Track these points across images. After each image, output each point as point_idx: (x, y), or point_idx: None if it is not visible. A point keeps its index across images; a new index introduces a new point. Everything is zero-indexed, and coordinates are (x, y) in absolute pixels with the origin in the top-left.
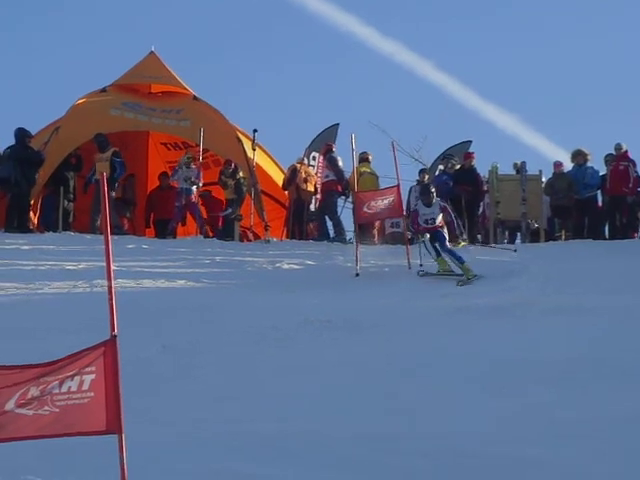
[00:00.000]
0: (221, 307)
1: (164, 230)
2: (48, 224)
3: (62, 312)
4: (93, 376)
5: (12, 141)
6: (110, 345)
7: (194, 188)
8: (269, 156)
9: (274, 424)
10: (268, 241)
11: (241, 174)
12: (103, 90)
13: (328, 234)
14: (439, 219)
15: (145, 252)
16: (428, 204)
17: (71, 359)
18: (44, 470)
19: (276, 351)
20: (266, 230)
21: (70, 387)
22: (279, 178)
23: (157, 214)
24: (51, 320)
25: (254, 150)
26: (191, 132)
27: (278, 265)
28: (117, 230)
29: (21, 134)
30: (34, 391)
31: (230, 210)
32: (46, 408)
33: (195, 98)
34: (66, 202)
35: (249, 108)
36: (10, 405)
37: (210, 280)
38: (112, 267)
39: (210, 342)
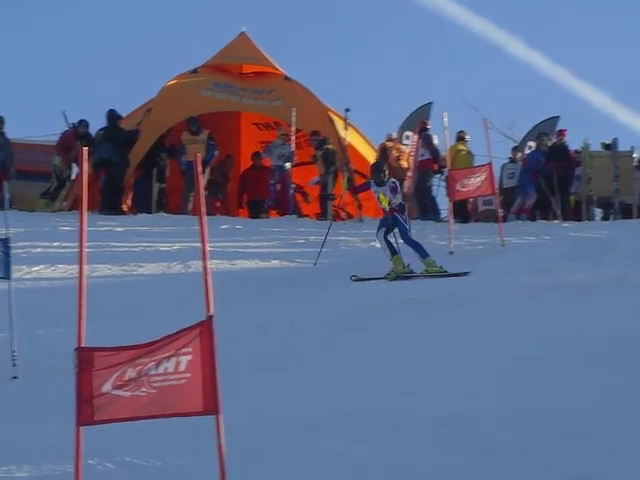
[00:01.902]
0: (316, 286)
1: (257, 210)
2: (141, 206)
3: (157, 293)
4: (190, 357)
5: (101, 124)
6: (206, 326)
7: (288, 165)
8: (361, 135)
9: (368, 403)
10: (361, 220)
11: (330, 145)
12: (194, 71)
13: (428, 212)
14: (396, 200)
15: (239, 232)
16: (380, 183)
17: (167, 340)
18: (141, 451)
19: (372, 330)
20: (359, 209)
21: (167, 368)
22: (371, 157)
23: (250, 194)
24: (146, 301)
25: (346, 129)
26: (283, 112)
27: (372, 244)
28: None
29: (112, 115)
30: (131, 372)
31: (319, 179)
32: (143, 389)
33: (286, 78)
34: (158, 184)
35: (341, 87)
36: (107, 387)
37: (304, 259)
38: (207, 247)
39: (306, 322)
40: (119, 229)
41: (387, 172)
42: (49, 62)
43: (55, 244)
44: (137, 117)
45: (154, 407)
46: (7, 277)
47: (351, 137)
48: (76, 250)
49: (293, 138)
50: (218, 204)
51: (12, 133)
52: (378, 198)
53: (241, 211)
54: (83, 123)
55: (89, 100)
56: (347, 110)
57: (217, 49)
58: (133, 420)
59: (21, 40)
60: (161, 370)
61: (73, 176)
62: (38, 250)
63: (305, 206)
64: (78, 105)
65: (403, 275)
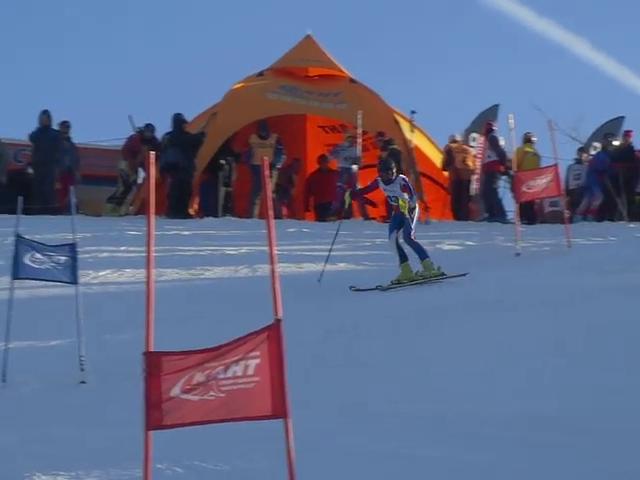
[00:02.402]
0: (386, 290)
1: (324, 213)
2: (208, 209)
3: (224, 297)
4: (258, 360)
5: (167, 129)
6: (274, 329)
7: (354, 167)
8: (427, 138)
9: (433, 405)
10: (428, 222)
11: (396, 146)
12: (260, 74)
13: (495, 214)
14: (406, 197)
15: (306, 235)
16: (386, 181)
17: (236, 344)
18: (210, 455)
19: (438, 333)
20: (426, 211)
21: (235, 372)
22: (438, 159)
23: (317, 198)
24: (213, 305)
25: (412, 132)
26: (349, 115)
27: (438, 246)
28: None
29: (178, 119)
30: (199, 377)
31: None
32: (211, 393)
33: (352, 81)
34: (224, 188)
35: (406, 90)
36: (176, 391)
37: (371, 262)
38: (275, 251)
39: (372, 325)
40: (186, 233)
41: (395, 170)
42: (115, 66)
43: (122, 248)
44: (202, 121)
45: (223, 411)
46: (74, 282)
47: (417, 139)
48: (143, 254)
49: (359, 140)
50: (284, 209)
51: (78, 138)
52: (390, 198)
53: (308, 214)
54: (149, 127)
55: (155, 104)
56: (413, 112)
57: (283, 52)
58: (202, 424)
59: (87, 44)
60: (230, 374)
61: (139, 180)
62: (105, 255)
63: (371, 209)
64: (144, 109)
65: (399, 284)
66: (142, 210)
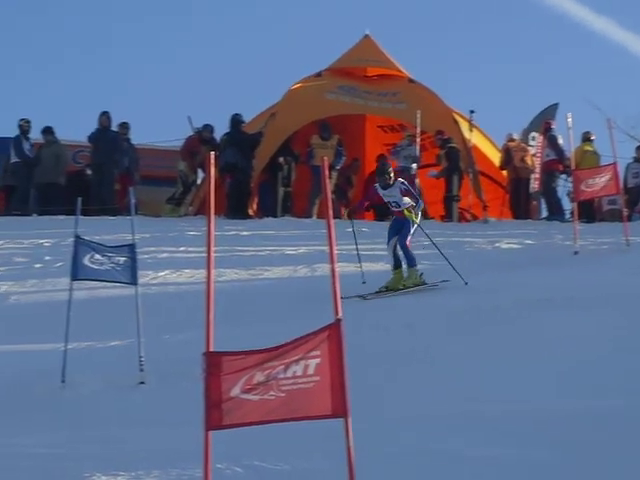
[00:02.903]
0: (441, 288)
1: (384, 213)
2: (267, 210)
3: (283, 297)
4: (318, 360)
5: (225, 129)
6: (335, 329)
7: (414, 166)
8: (486, 137)
9: (497, 404)
10: (486, 221)
11: (454, 144)
12: (318, 74)
13: (553, 213)
14: (406, 201)
15: (364, 235)
16: (384, 186)
17: (296, 344)
18: (270, 455)
19: (497, 331)
20: (484, 210)
21: (295, 372)
22: (496, 158)
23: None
24: (272, 305)
25: (471, 131)
26: (408, 114)
27: (497, 245)
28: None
29: (236, 120)
30: (259, 376)
31: (438, 173)
32: (272, 393)
33: (411, 80)
34: (283, 188)
35: (465, 89)
36: (236, 391)
37: (430, 262)
38: (335, 251)
39: (427, 324)
40: (245, 233)
41: (392, 174)
42: (175, 67)
43: (181, 249)
44: (261, 121)
45: (283, 411)
46: (134, 283)
47: (476, 138)
48: (202, 255)
49: (418, 140)
50: (343, 209)
51: (137, 139)
52: (390, 203)
53: (366, 214)
54: (208, 128)
55: (214, 105)
56: (472, 112)
57: (341, 52)
58: (262, 424)
59: (147, 44)
60: (290, 373)
61: (198, 181)
62: (164, 255)
63: (430, 207)
64: (203, 110)
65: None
66: (201, 210)
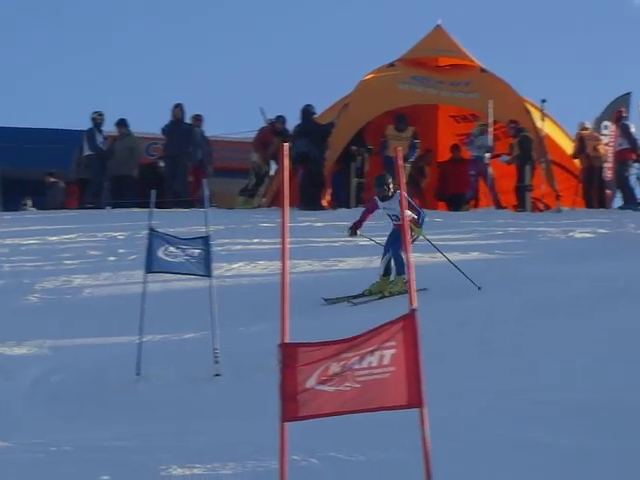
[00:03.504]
0: (515, 278)
1: (457, 203)
2: (340, 200)
3: (357, 288)
4: (393, 351)
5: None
6: (410, 319)
7: (487, 156)
8: (558, 126)
9: (575, 394)
10: (559, 210)
11: (527, 133)
12: (391, 65)
13: (627, 202)
14: (406, 214)
15: (438, 225)
16: (383, 198)
17: (371, 334)
18: (345, 446)
19: (574, 321)
20: (557, 199)
21: (371, 362)
22: (568, 147)
23: (449, 187)
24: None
25: (543, 120)
26: (480, 104)
27: (570, 234)
28: None
29: (307, 110)
30: (335, 367)
31: (509, 159)
32: (347, 384)
33: (482, 70)
34: (357, 178)
35: (536, 78)
36: (311, 382)
37: (503, 251)
38: (409, 241)
39: (506, 314)
40: (319, 224)
41: (392, 185)
42: (247, 58)
43: (255, 241)
44: (334, 112)
45: (358, 401)
46: (208, 275)
47: (548, 128)
48: (276, 246)
49: (490, 130)
50: (416, 200)
51: (210, 131)
52: (389, 217)
53: (440, 204)
54: (280, 119)
55: (287, 96)
56: (543, 101)
57: (413, 43)
58: (337, 415)
59: (219, 37)
60: (365, 364)
61: (271, 172)
62: (238, 247)
63: (503, 197)
64: (275, 101)
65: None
66: (274, 202)
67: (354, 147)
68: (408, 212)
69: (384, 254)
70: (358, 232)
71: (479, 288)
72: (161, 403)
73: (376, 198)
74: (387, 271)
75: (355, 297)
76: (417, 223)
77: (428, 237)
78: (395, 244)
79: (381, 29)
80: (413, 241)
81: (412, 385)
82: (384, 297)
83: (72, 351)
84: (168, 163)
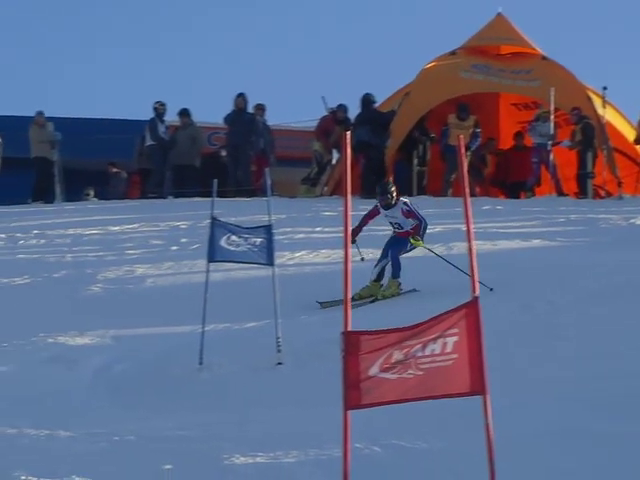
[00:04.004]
0: (577, 265)
1: (517, 190)
2: (402, 189)
3: (420, 275)
4: (456, 338)
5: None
6: (472, 306)
7: (549, 143)
8: (619, 113)
9: (629, 380)
10: (621, 197)
11: (589, 120)
12: (452, 53)
13: None
14: (408, 223)
15: (499, 213)
16: (387, 206)
17: (434, 322)
18: (407, 434)
19: (636, 308)
20: (619, 186)
21: (433, 350)
22: (630, 135)
23: (511, 175)
24: (409, 283)
25: (604, 107)
26: (541, 92)
27: (632, 221)
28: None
29: (367, 99)
30: (398, 355)
31: (571, 143)
32: (410, 372)
33: (544, 58)
34: (418, 167)
35: (598, 65)
36: (374, 370)
37: (565, 238)
38: (472, 229)
39: (568, 301)
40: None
41: (395, 193)
42: (308, 47)
43: (317, 229)
44: (396, 101)
45: (421, 389)
46: (270, 264)
47: (609, 115)
48: (338, 235)
49: (552, 117)
50: (478, 188)
51: (272, 120)
52: (391, 224)
53: (497, 192)
54: (342, 108)
55: (348, 84)
56: (604, 88)
57: (474, 31)
58: (399, 403)
59: (280, 26)
60: (428, 352)
61: (333, 161)
62: (300, 236)
63: (565, 184)
64: (337, 90)
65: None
66: (336, 190)
67: (417, 133)
68: (410, 221)
69: (380, 259)
70: (356, 239)
71: (491, 289)
72: (224, 392)
73: (378, 205)
74: (379, 277)
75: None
76: (418, 233)
77: (438, 254)
78: (395, 246)
79: (443, 17)
80: (409, 250)
81: (475, 372)
82: (376, 300)
83: (134, 341)
84: (231, 152)
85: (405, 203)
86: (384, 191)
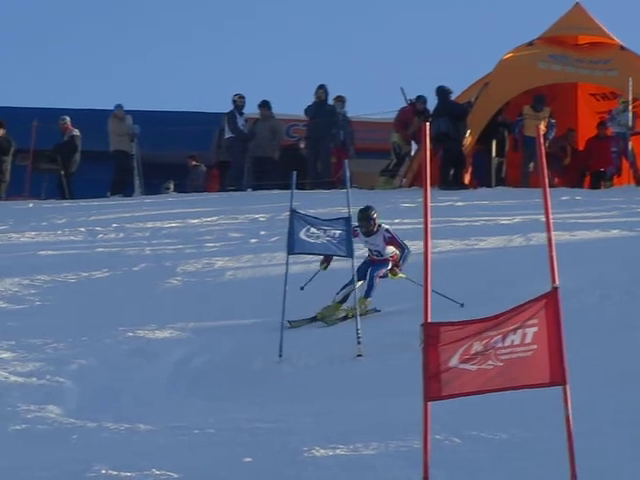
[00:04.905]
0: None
1: (600, 180)
2: (481, 179)
3: (499, 266)
4: (535, 329)
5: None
6: (552, 297)
7: (628, 133)
8: None
9: None
10: None
11: None
12: (530, 44)
13: None
14: (389, 251)
15: (578, 203)
16: (368, 233)
17: (513, 313)
18: (487, 425)
19: None
20: None
21: (513, 340)
22: None
23: (592, 165)
24: (488, 274)
25: None
26: (619, 82)
27: None
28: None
29: (443, 90)
30: (477, 346)
31: None
32: (490, 363)
33: (622, 48)
34: (497, 157)
35: None
36: (454, 361)
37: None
38: (551, 219)
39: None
40: (460, 204)
41: (376, 220)
42: (387, 38)
43: (396, 221)
44: (474, 91)
45: (501, 380)
46: (350, 255)
47: None
48: (417, 226)
49: (630, 107)
50: (556, 179)
51: (351, 111)
52: (370, 251)
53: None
54: (421, 99)
55: (427, 75)
56: None
57: (552, 21)
58: (479, 394)
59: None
60: (507, 342)
61: (412, 152)
62: None
63: None
64: (416, 81)
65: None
66: (415, 182)
67: (501, 117)
68: (391, 249)
69: (349, 283)
70: (327, 266)
71: (462, 305)
72: (303, 384)
73: (358, 230)
74: (344, 299)
75: (312, 320)
76: (398, 263)
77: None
78: (376, 267)
79: (521, 8)
80: (385, 276)
81: (554, 363)
82: (347, 318)
83: (214, 333)
84: (311, 144)
85: (387, 230)
86: (365, 217)
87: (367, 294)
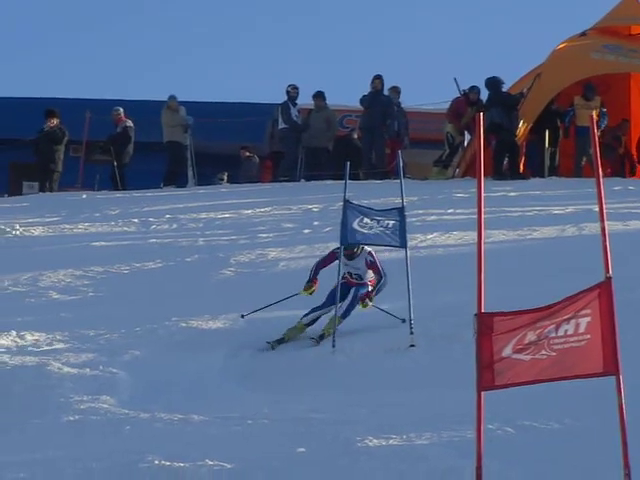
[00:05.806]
0: None
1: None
2: (534, 170)
3: (551, 257)
4: (589, 319)
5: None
6: (605, 287)
7: None
8: None
9: None
10: None
11: None
12: (583, 34)
13: None
14: (369, 276)
15: (631, 193)
16: (350, 256)
17: (566, 302)
18: (539, 414)
19: None
20: None
21: (566, 330)
22: None
23: None
24: (541, 265)
25: None
26: None
27: None
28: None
29: (494, 81)
30: (531, 336)
31: None
32: (543, 352)
33: None
34: (550, 147)
35: None
36: (507, 351)
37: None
38: (604, 209)
39: None
40: (512, 194)
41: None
42: (441, 29)
43: (449, 211)
44: (527, 82)
45: (554, 370)
46: (403, 246)
47: None
48: (470, 217)
49: None
50: (608, 169)
51: (407, 102)
52: (349, 274)
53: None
54: (474, 90)
55: (480, 66)
56: None
57: (605, 11)
58: (533, 384)
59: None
60: (561, 332)
61: (465, 143)
62: (432, 218)
63: None
64: (469, 71)
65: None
66: (468, 172)
67: (554, 106)
68: (370, 274)
69: (320, 307)
70: (314, 290)
71: (403, 321)
72: (356, 375)
73: (339, 253)
74: (311, 323)
75: (280, 341)
76: (373, 290)
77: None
78: (361, 287)
79: None
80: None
81: (607, 353)
82: (324, 337)
83: (267, 324)
84: (366, 135)
85: (370, 253)
86: None
87: (344, 315)
